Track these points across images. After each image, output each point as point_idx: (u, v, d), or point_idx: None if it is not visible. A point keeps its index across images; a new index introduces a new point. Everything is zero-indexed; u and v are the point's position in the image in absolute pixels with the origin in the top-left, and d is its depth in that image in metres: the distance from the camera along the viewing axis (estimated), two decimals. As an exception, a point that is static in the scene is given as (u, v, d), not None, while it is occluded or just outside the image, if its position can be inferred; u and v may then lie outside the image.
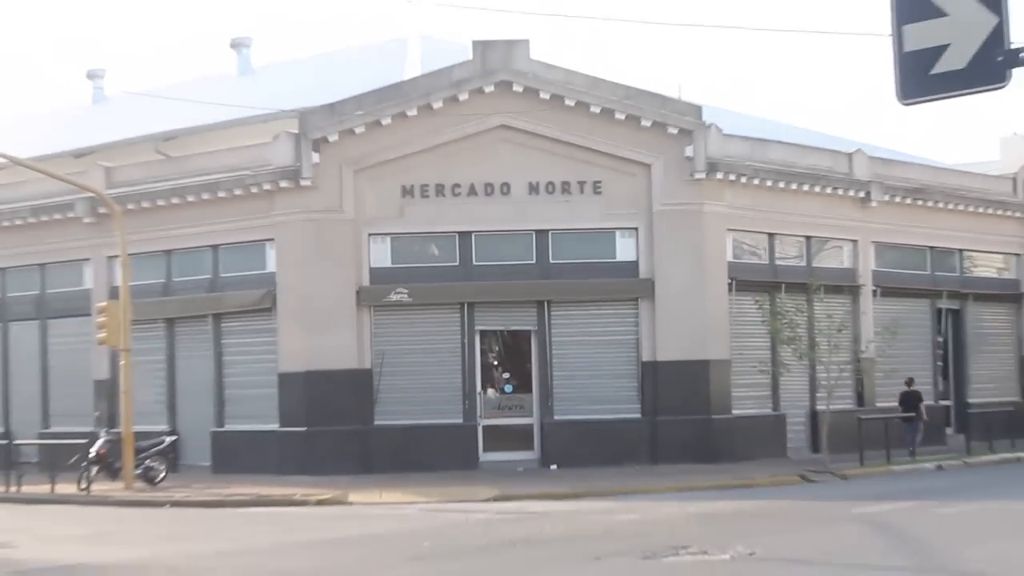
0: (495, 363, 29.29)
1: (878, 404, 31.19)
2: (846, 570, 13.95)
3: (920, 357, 33.73)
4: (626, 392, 28.80)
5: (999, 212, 36.25)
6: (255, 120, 31.18)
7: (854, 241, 32.55)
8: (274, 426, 28.42)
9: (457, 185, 28.48)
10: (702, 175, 28.69)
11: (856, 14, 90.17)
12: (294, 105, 30.02)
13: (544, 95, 28.37)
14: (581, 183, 28.69)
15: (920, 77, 6.75)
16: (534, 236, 28.80)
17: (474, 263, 28.67)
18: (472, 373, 28.56)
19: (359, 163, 28.43)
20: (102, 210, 29.78)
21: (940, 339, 35.04)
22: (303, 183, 28.07)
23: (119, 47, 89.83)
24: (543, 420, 28.57)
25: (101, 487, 26.06)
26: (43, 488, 25.93)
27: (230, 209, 29.09)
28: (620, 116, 28.58)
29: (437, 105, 28.24)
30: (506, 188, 28.53)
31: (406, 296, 28.09)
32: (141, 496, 25.12)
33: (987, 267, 37.07)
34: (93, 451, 26.68)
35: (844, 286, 31.84)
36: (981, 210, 35.64)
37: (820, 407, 29.47)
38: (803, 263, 31.66)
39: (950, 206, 34.69)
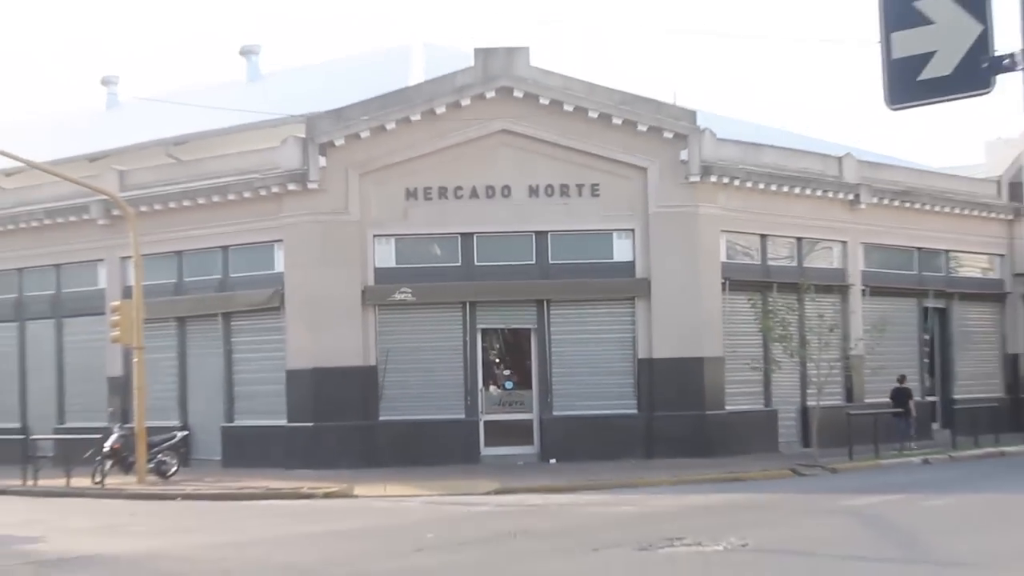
0: (496, 360, 29.29)
1: (867, 400, 31.17)
2: (836, 561, 13.94)
3: (907, 355, 33.72)
4: (623, 388, 28.80)
5: (984, 214, 36.26)
6: (264, 125, 31.20)
7: (843, 242, 32.56)
8: (282, 421, 28.42)
9: (459, 188, 28.47)
10: (696, 178, 28.69)
11: (845, 22, 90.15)
12: (301, 110, 30.00)
13: (543, 101, 28.38)
14: (579, 186, 28.69)
15: (908, 83, 6.75)
16: (534, 237, 28.80)
17: (476, 263, 28.67)
18: (474, 370, 28.56)
19: (364, 166, 28.43)
20: (116, 212, 29.78)
21: (927, 337, 35.04)
22: (310, 186, 28.08)
23: (132, 54, 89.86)
24: (542, 416, 28.57)
25: (115, 480, 26.06)
26: (59, 481, 25.95)
27: (239, 211, 29.09)
28: (617, 121, 28.58)
29: (440, 110, 28.24)
30: (507, 191, 28.53)
31: (410, 295, 28.08)
32: (153, 489, 25.12)
33: (972, 267, 37.07)
34: (107, 446, 26.67)
35: (834, 286, 31.83)
36: (966, 212, 35.65)
37: (810, 403, 29.48)
38: (794, 263, 31.66)
39: (936, 208, 34.69)
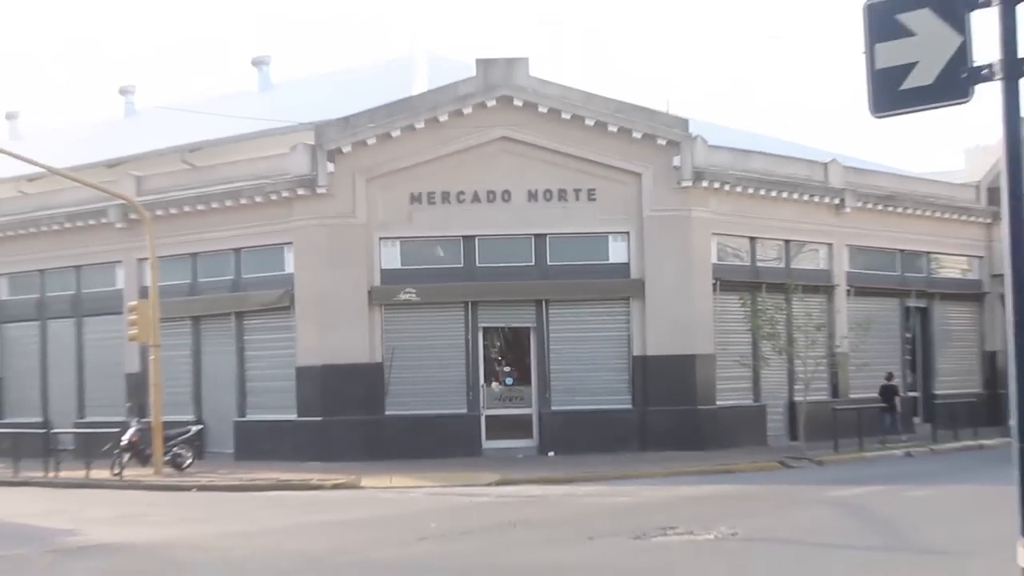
0: (497, 358, 29.27)
1: (851, 395, 31.18)
2: (822, 549, 13.96)
3: (890, 352, 33.72)
4: (618, 384, 28.79)
5: (963, 218, 36.26)
6: (274, 132, 31.17)
7: (829, 244, 32.56)
8: (292, 416, 28.42)
9: (462, 192, 28.46)
10: (689, 183, 28.69)
11: (831, 33, 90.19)
12: (311, 118, 30.01)
13: (542, 109, 28.37)
14: (576, 191, 28.67)
15: (891, 92, 6.76)
16: (533, 240, 28.78)
17: (477, 265, 28.66)
18: (475, 367, 28.55)
19: (371, 172, 28.42)
20: (133, 216, 29.78)
21: (909, 335, 35.03)
22: (319, 191, 28.07)
23: (149, 65, 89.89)
24: (541, 410, 28.56)
25: (132, 472, 26.07)
26: (79, 473, 25.97)
27: (251, 215, 29.09)
28: (612, 128, 28.57)
29: (443, 118, 28.23)
30: (507, 195, 28.52)
31: (414, 295, 28.07)
32: (169, 481, 25.13)
33: (952, 268, 37.08)
34: (125, 439, 26.68)
35: (820, 286, 31.83)
36: (947, 216, 35.64)
37: (798, 398, 29.48)
38: (782, 265, 31.65)
39: (918, 212, 34.69)
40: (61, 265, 33.13)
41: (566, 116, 28.44)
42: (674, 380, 28.27)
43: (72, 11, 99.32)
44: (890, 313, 34.22)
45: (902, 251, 34.85)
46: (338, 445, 27.44)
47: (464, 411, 28.38)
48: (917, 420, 33.83)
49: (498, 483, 22.52)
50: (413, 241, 28.78)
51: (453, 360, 28.50)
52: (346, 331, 27.92)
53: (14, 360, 34.53)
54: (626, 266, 28.85)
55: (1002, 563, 7.35)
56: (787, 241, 31.72)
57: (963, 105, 6.61)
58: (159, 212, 29.47)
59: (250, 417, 29.62)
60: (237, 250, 29.94)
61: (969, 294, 36.94)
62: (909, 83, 6.68)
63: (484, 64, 28.55)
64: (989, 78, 6.42)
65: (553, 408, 28.51)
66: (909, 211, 34.36)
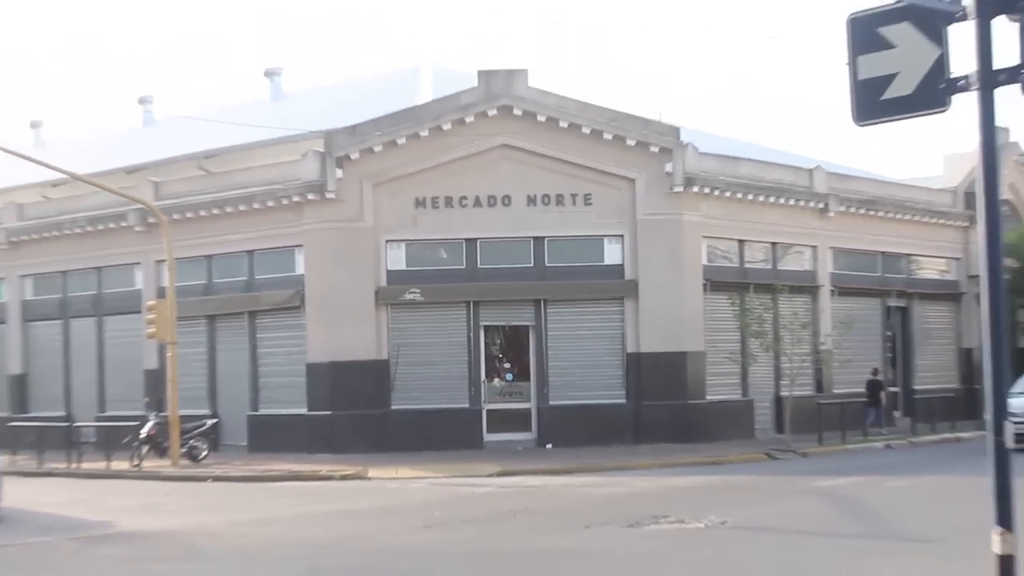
0: (497, 355, 29.26)
1: (835, 391, 31.18)
2: (807, 536, 13.97)
3: (872, 349, 33.70)
4: (613, 380, 28.78)
5: (941, 221, 36.26)
6: (286, 140, 31.19)
7: (814, 247, 32.57)
8: (302, 410, 28.42)
9: (464, 197, 28.47)
10: (680, 188, 28.69)
11: (818, 45, 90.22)
12: (320, 127, 30.00)
13: (541, 118, 28.38)
14: (573, 195, 28.67)
15: (873, 102, 6.77)
16: (532, 242, 28.78)
17: (479, 266, 28.66)
18: (477, 363, 28.56)
19: (377, 178, 28.43)
20: (151, 220, 29.78)
21: (889, 333, 35.05)
22: (328, 196, 28.08)
23: (167, 76, 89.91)
24: (540, 405, 28.56)
25: (151, 464, 26.10)
26: (100, 464, 25.97)
27: (264, 219, 29.10)
28: (607, 136, 28.58)
29: (446, 127, 28.24)
30: (507, 200, 28.52)
31: (419, 295, 28.08)
32: (186, 472, 25.12)
33: (930, 270, 37.08)
34: (144, 432, 26.72)
35: (805, 286, 31.83)
36: (926, 220, 35.63)
37: (784, 393, 29.51)
38: (769, 266, 31.65)
39: (899, 216, 34.70)
40: (83, 266, 33.14)
41: (563, 124, 28.45)
42: (666, 376, 28.28)
43: (93, 25, 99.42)
44: (871, 312, 34.22)
45: (883, 253, 34.85)
46: (346, 438, 27.44)
47: (466, 405, 28.38)
48: (897, 414, 33.80)
49: (499, 474, 22.51)
50: (418, 243, 28.79)
51: (456, 357, 28.50)
52: (354, 329, 27.92)
53: (38, 357, 34.54)
54: (620, 267, 28.85)
55: (978, 549, 7.37)
56: (774, 244, 31.73)
57: (941, 114, 6.63)
58: (176, 216, 29.48)
59: (262, 411, 29.62)
60: (250, 252, 29.95)
61: (947, 294, 36.93)
62: (890, 93, 6.70)
63: (485, 75, 28.57)
64: (966, 88, 6.44)
65: (551, 403, 28.51)
66: (890, 215, 34.37)
